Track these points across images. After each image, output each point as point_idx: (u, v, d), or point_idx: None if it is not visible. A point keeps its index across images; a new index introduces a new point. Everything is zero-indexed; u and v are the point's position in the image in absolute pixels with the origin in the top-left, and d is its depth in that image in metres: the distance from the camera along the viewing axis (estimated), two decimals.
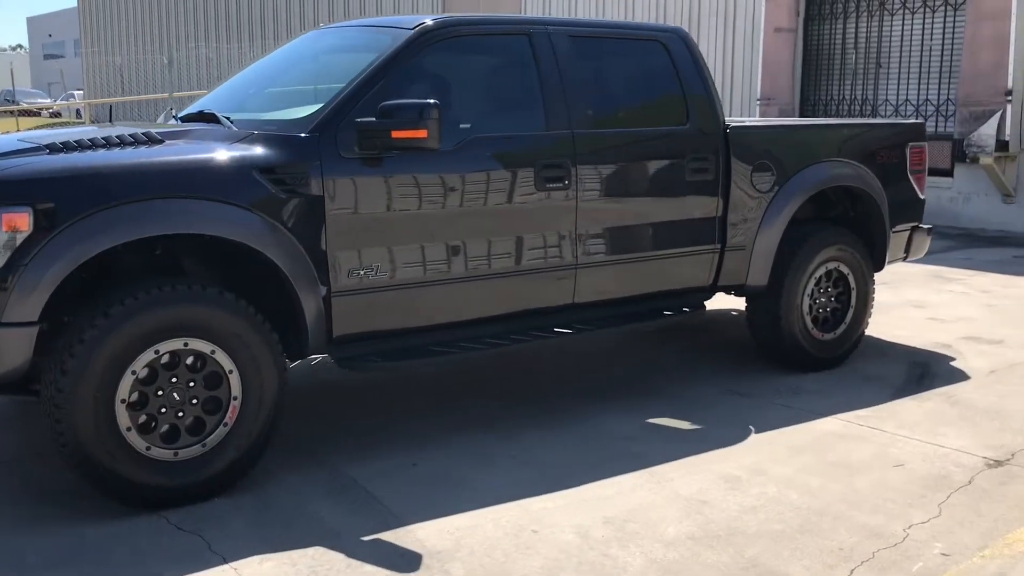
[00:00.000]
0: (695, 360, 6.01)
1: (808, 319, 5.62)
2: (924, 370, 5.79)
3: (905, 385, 5.48)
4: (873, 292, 5.95)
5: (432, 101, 3.93)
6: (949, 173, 12.75)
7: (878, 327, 6.80)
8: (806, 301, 5.59)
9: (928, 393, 5.32)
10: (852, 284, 5.80)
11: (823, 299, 5.72)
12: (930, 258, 9.99)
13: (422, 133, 3.93)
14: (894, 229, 6.06)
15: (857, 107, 13.80)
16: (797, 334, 5.56)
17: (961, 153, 12.38)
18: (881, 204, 5.86)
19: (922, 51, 13.10)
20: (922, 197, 6.23)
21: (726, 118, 5.37)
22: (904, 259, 6.32)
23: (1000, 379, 5.59)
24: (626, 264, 4.94)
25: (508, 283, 4.56)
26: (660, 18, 15.85)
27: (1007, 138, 11.93)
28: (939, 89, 13.02)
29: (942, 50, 12.85)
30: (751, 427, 4.74)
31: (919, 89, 13.18)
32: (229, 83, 5.34)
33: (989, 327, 6.86)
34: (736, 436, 4.61)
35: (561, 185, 4.63)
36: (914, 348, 6.29)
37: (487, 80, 4.87)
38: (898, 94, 13.41)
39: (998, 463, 4.31)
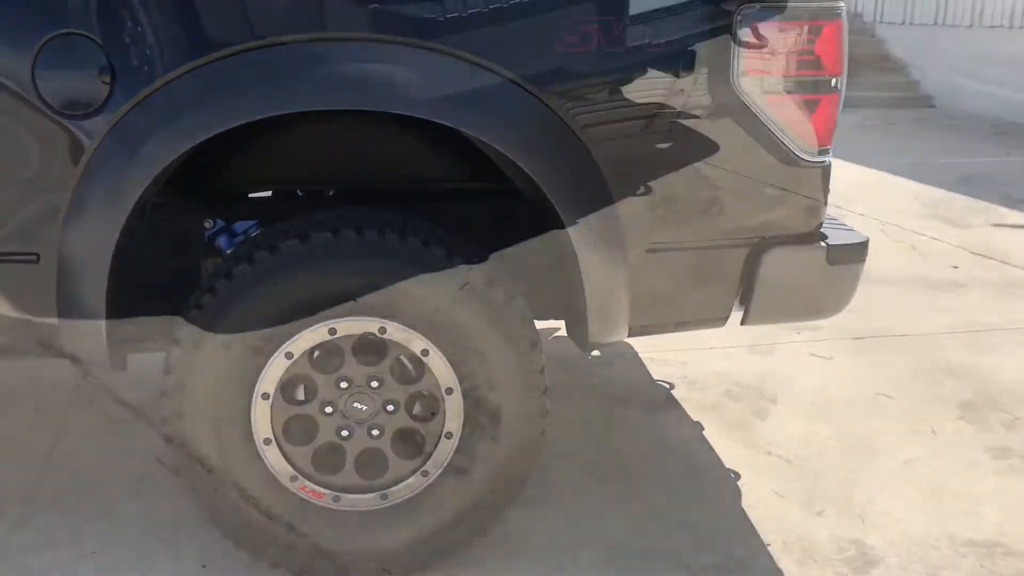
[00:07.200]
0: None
1: (282, 455, 2.15)
2: None
3: None
4: (542, 398, 2.21)
5: None
6: None
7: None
8: (261, 408, 2.11)
9: None
10: (444, 379, 2.14)
11: (357, 406, 2.16)
12: None
13: None
14: (659, 246, 2.17)
15: None
16: (228, 490, 2.13)
17: None
18: (557, 175, 2.03)
19: None
20: (806, 156, 2.19)
21: None
22: (744, 319, 2.33)
23: None
24: None
25: None
26: None
27: None
28: None
29: None
30: None
31: None
32: None
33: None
34: None
35: None
36: None
37: None
38: None
39: None
